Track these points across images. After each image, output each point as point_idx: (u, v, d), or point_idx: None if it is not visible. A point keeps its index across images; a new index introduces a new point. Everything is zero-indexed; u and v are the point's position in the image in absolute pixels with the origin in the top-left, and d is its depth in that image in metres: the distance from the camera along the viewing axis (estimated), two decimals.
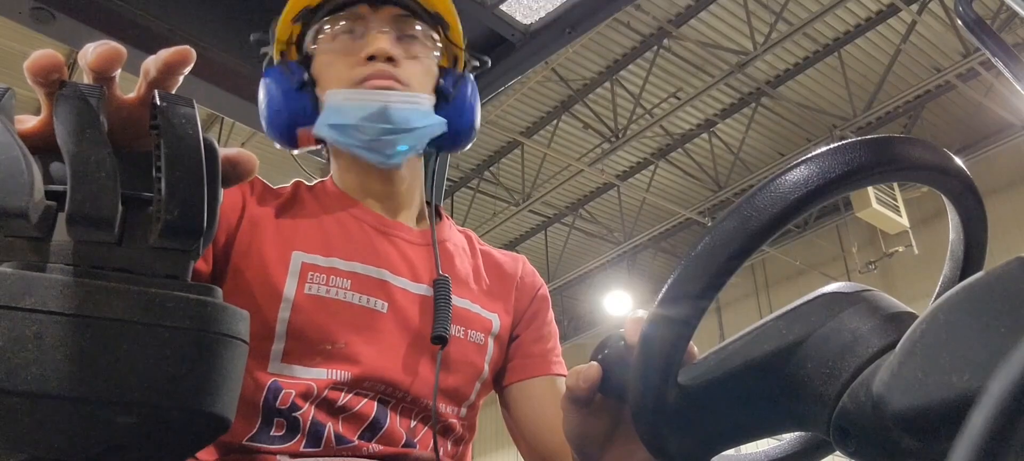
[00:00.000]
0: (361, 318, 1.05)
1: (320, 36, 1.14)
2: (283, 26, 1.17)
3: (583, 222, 10.87)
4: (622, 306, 11.14)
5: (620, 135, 8.71)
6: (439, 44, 1.18)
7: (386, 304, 1.07)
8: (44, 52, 0.45)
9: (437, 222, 1.23)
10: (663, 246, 11.47)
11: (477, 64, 1.27)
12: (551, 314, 1.28)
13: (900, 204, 8.19)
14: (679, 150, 9.48)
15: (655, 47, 7.97)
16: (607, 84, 8.53)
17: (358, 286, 1.06)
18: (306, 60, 1.16)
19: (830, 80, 8.42)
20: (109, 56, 0.47)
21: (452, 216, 1.36)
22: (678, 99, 8.31)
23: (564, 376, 1.18)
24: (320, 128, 1.11)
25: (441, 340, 1.07)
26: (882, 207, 7.88)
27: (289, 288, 1.02)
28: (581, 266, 11.45)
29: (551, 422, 1.16)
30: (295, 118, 1.12)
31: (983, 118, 8.80)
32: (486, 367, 1.16)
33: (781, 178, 0.54)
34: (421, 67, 1.14)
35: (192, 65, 0.49)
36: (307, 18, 1.16)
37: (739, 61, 7.56)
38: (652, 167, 9.74)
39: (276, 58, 1.18)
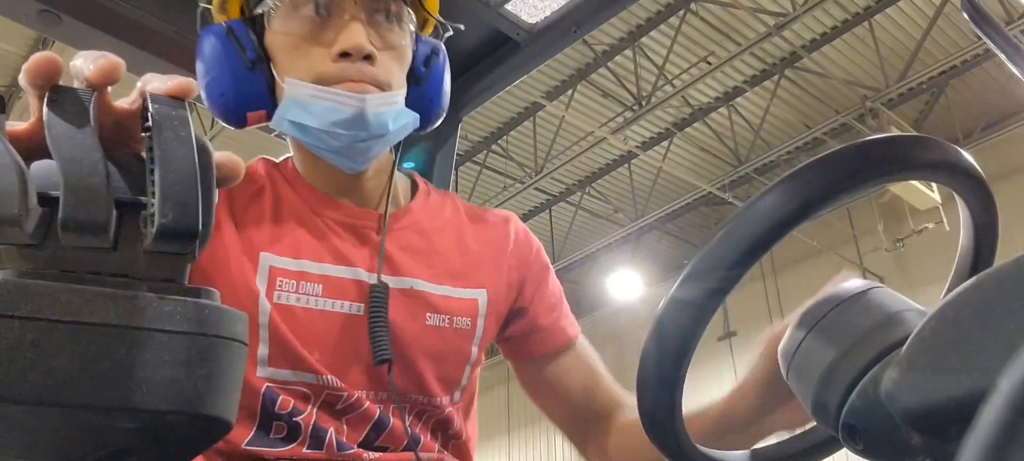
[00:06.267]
0: (336, 324, 1.00)
1: (277, 7, 0.99)
2: None
3: (590, 201, 10.61)
4: (629, 287, 10.90)
5: (644, 103, 8.41)
6: (414, 19, 1.05)
7: (362, 305, 1.01)
8: (43, 54, 0.45)
9: (410, 199, 1.15)
10: (669, 228, 11.25)
11: (449, 31, 1.12)
12: (551, 274, 1.23)
13: None
14: (699, 123, 9.21)
15: (681, 11, 7.67)
16: (628, 51, 8.22)
17: (330, 291, 1.01)
18: (253, 22, 1.01)
19: (856, 53, 8.19)
20: (108, 70, 0.46)
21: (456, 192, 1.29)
22: (710, 63, 8.04)
23: (578, 336, 1.21)
24: (279, 122, 0.99)
25: (384, 363, 0.99)
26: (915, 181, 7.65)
27: (261, 295, 0.97)
28: (586, 247, 11.19)
29: (579, 387, 1.19)
30: (245, 101, 0.99)
31: (1013, 93, 8.61)
32: (474, 349, 1.10)
33: (782, 185, 0.55)
34: (397, 57, 1.02)
35: (194, 97, 0.47)
36: None
37: (777, 22, 7.27)
38: (668, 141, 9.48)
39: (217, 15, 1.04)
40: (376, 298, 1.00)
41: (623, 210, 10.60)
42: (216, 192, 0.47)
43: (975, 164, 0.62)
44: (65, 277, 0.42)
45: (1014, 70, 0.80)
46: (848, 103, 8.62)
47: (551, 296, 1.20)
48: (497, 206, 10.08)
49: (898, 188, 7.80)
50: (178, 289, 0.45)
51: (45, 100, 0.44)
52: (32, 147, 0.46)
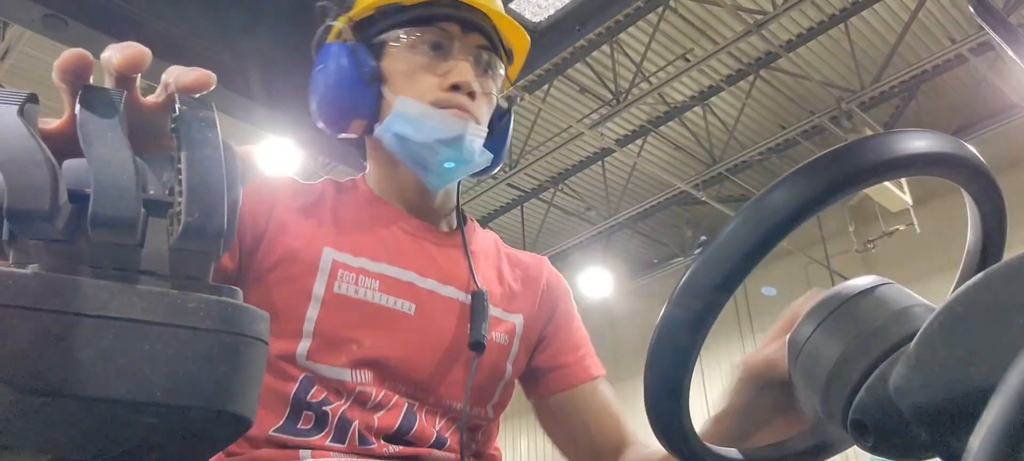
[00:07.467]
0: (388, 319, 1.07)
1: (402, 38, 1.14)
2: (362, 7, 1.15)
3: (563, 198, 10.56)
4: (600, 285, 10.88)
5: (622, 98, 8.37)
6: (503, 76, 1.22)
7: (413, 306, 1.09)
8: (75, 51, 0.47)
9: (464, 226, 1.25)
10: (640, 227, 11.24)
11: (517, 99, 1.28)
12: (577, 317, 1.30)
13: (903, 180, 8.04)
14: (674, 121, 9.20)
15: (660, 8, 7.64)
16: (606, 47, 8.17)
17: (386, 287, 1.08)
18: (373, 48, 1.15)
19: (831, 55, 8.24)
20: (135, 58, 0.48)
21: None
22: (687, 61, 8.01)
23: (601, 376, 1.26)
24: (385, 132, 1.12)
25: (479, 346, 1.09)
26: (887, 182, 7.70)
27: (319, 287, 1.04)
28: (557, 244, 11.13)
29: (597, 425, 1.22)
30: (355, 110, 1.13)
31: (983, 98, 8.72)
32: (509, 367, 1.18)
33: (795, 177, 0.55)
34: (488, 102, 1.17)
35: (212, 88, 0.49)
36: (391, 12, 1.15)
37: (755, 21, 7.26)
38: (642, 139, 9.45)
39: (339, 34, 1.18)
40: (479, 296, 1.12)
41: (595, 208, 10.57)
42: (241, 191, 0.48)
43: (981, 158, 0.61)
44: (92, 272, 0.43)
45: (1019, 62, 0.81)
46: (821, 105, 8.67)
47: (576, 335, 1.28)
48: (468, 202, 10.12)
49: (870, 190, 7.84)
50: (202, 287, 0.45)
51: (78, 99, 0.46)
52: (63, 144, 0.47)
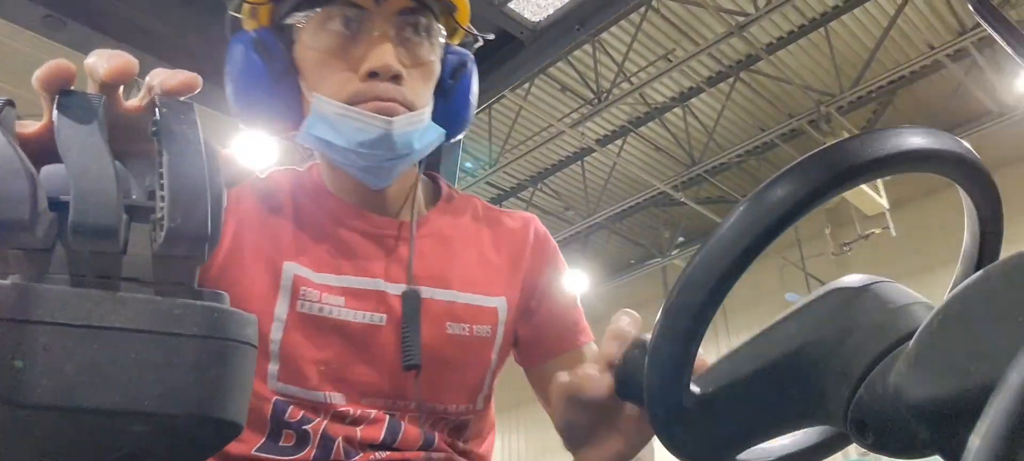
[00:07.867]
0: (359, 335, 1.01)
1: (306, 21, 0.98)
2: None
3: (542, 198, 10.55)
4: (576, 285, 10.87)
5: (603, 98, 8.38)
6: (445, 34, 1.06)
7: (384, 316, 1.02)
8: (57, 62, 0.46)
9: (435, 203, 1.16)
10: (617, 228, 11.27)
11: (479, 43, 1.14)
12: (565, 280, 1.22)
13: (879, 184, 8.11)
14: (654, 121, 9.22)
15: (643, 8, 7.65)
16: (588, 46, 8.17)
17: (353, 302, 1.01)
18: (282, 31, 1.00)
19: (811, 58, 8.30)
20: (122, 69, 0.47)
21: None
22: (669, 62, 8.03)
23: (585, 344, 1.18)
24: (306, 137, 0.98)
25: (413, 368, 1.00)
26: (863, 185, 7.77)
27: (281, 307, 0.98)
28: None
29: None
30: (271, 113, 1.00)
31: (958, 104, 8.82)
32: (494, 358, 1.11)
33: (790, 173, 0.55)
34: (425, 74, 1.02)
35: (198, 91, 0.48)
36: None
37: (737, 23, 7.29)
38: (622, 139, 9.48)
39: (247, 22, 1.04)
40: (408, 303, 1.01)
41: (574, 208, 10.58)
42: (225, 194, 0.47)
43: (978, 156, 0.61)
44: (75, 281, 0.42)
45: (1019, 61, 0.79)
46: (800, 108, 8.72)
47: (563, 301, 1.20)
48: None
49: (847, 192, 7.90)
50: (187, 292, 0.45)
51: (55, 104, 0.45)
52: (42, 150, 0.46)
